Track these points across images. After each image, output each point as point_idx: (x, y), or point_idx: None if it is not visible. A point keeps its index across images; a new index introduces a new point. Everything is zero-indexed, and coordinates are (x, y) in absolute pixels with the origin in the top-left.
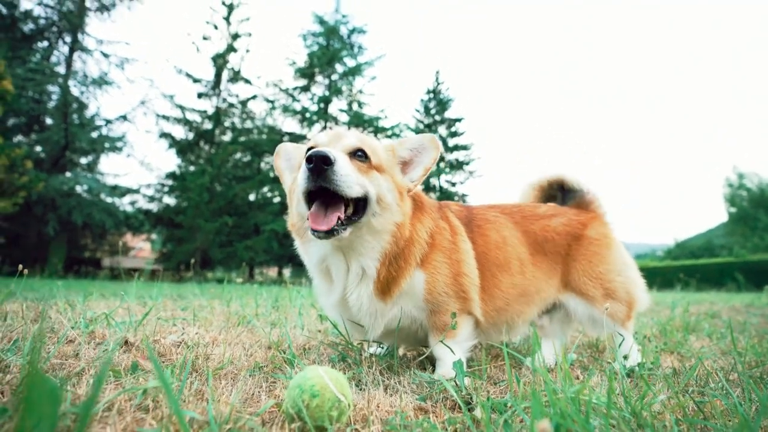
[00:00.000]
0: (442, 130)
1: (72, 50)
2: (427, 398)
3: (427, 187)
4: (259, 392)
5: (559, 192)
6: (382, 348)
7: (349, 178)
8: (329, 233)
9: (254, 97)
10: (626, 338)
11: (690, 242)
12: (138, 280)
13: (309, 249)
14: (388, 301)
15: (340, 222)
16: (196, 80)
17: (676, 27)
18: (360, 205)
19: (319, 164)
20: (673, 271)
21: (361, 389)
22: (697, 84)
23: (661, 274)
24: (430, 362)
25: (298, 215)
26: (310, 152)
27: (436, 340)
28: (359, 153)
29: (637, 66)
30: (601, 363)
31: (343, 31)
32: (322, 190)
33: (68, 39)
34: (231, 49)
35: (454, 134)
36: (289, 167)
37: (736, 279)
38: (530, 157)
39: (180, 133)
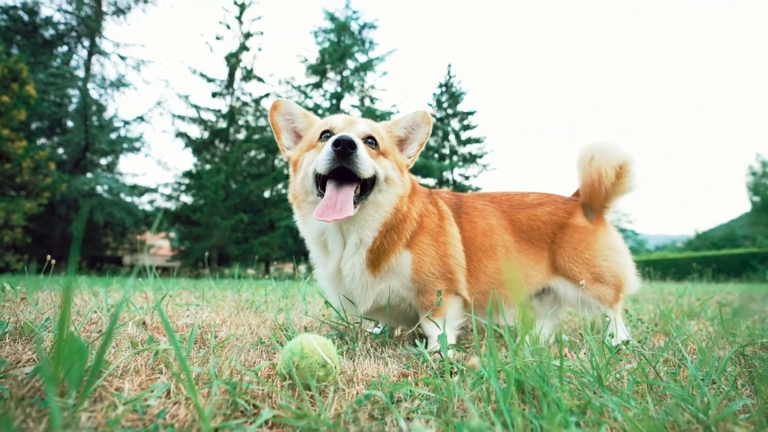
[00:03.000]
0: (455, 123)
1: (90, 54)
2: (411, 366)
3: (441, 181)
4: (259, 360)
5: None
6: (379, 327)
7: (366, 162)
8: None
9: (267, 95)
10: (614, 319)
11: (711, 233)
12: (155, 275)
13: (308, 222)
14: (377, 275)
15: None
16: (210, 80)
17: (699, 14)
18: (368, 184)
19: (346, 148)
20: (691, 262)
21: (352, 359)
22: (718, 71)
23: (678, 265)
24: (422, 340)
25: (302, 189)
26: (337, 137)
27: (425, 318)
28: (370, 140)
29: (654, 55)
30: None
31: (354, 27)
32: (335, 172)
33: (86, 43)
34: (243, 48)
35: (466, 127)
36: (289, 128)
37: (756, 269)
38: (546, 149)
39: (195, 132)
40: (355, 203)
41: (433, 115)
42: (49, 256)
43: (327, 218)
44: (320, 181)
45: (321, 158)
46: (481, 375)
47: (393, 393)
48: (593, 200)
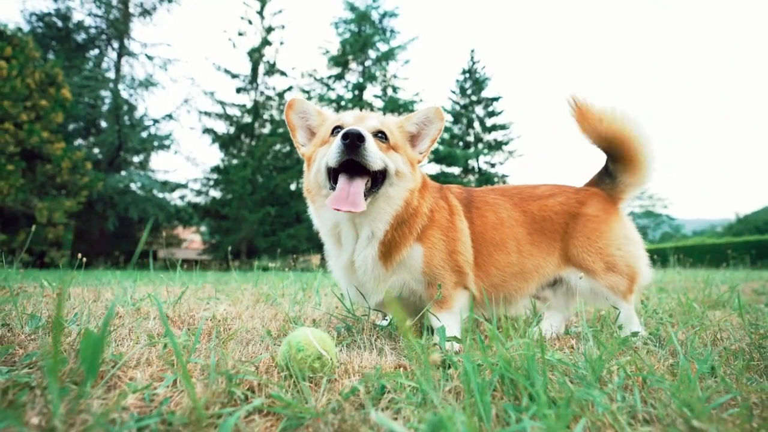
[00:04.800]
0: (479, 110)
1: (120, 55)
2: (409, 358)
3: (466, 169)
4: (264, 352)
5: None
6: (386, 320)
7: (375, 155)
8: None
9: (290, 88)
10: (627, 311)
11: (754, 217)
12: (181, 269)
13: (322, 215)
14: (389, 267)
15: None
16: (234, 76)
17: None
18: (378, 178)
19: (355, 141)
20: (731, 247)
21: (353, 351)
22: (757, 46)
23: (715, 252)
24: (430, 332)
25: (316, 183)
26: (346, 130)
27: (435, 310)
28: (380, 134)
29: (690, 35)
30: (599, 334)
31: (375, 16)
32: (347, 164)
33: (116, 45)
34: (266, 42)
35: (491, 114)
36: (303, 126)
37: None
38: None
39: (222, 128)
40: (366, 196)
41: (457, 102)
42: (80, 254)
43: (341, 207)
44: (332, 175)
45: (331, 151)
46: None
47: (384, 384)
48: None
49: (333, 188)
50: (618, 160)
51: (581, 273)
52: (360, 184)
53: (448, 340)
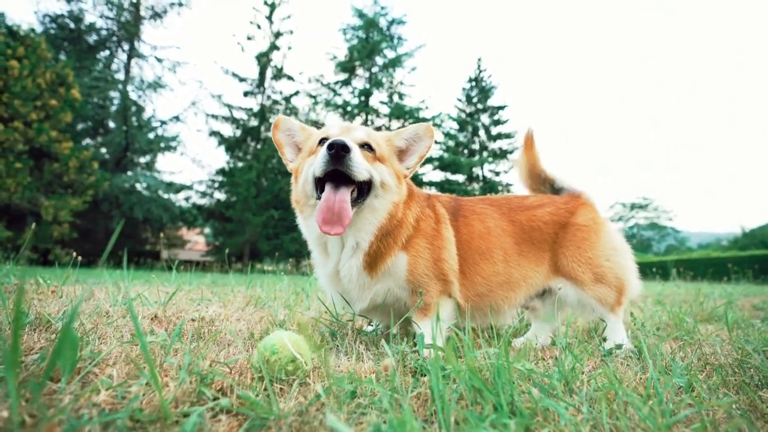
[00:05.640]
0: (485, 118)
1: (130, 57)
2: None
3: (470, 177)
4: (243, 354)
5: (549, 191)
6: (372, 326)
7: (361, 165)
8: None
9: (297, 93)
10: (615, 323)
11: (761, 231)
12: (180, 270)
13: (310, 224)
14: (374, 276)
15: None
16: (242, 79)
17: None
18: (364, 189)
19: (339, 151)
20: (734, 261)
21: (336, 356)
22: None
23: (717, 265)
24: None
25: (303, 194)
26: (331, 141)
27: (418, 317)
28: (366, 146)
29: (696, 46)
30: (586, 345)
31: (383, 22)
32: (332, 175)
33: (126, 47)
34: (274, 47)
35: (497, 122)
36: (290, 143)
37: None
38: (581, 143)
39: (228, 131)
40: (351, 206)
41: (463, 110)
42: (84, 253)
43: (331, 231)
44: (319, 184)
45: (317, 161)
46: (446, 374)
47: (354, 389)
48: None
49: (319, 198)
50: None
51: (568, 283)
52: (345, 194)
53: (427, 348)
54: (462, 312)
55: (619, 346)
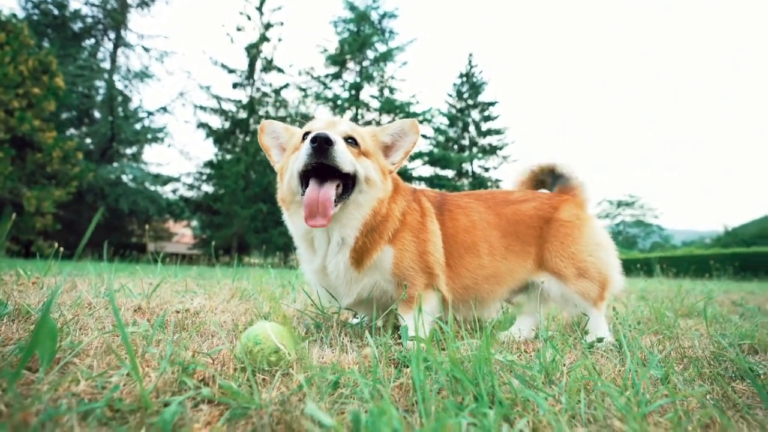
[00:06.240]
0: (475, 114)
1: (116, 46)
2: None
3: (460, 173)
4: (225, 345)
5: (549, 177)
6: (357, 318)
7: (345, 157)
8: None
9: (287, 85)
10: (597, 317)
11: (742, 229)
12: (166, 263)
13: (296, 220)
14: (361, 271)
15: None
16: (231, 71)
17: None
18: (349, 184)
19: (322, 144)
20: (716, 259)
21: (320, 348)
22: (747, 58)
23: (698, 262)
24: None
25: (289, 190)
26: (314, 134)
27: (403, 310)
28: (350, 140)
29: (682, 44)
30: (568, 339)
31: (374, 16)
32: (316, 169)
33: (112, 35)
34: (264, 38)
35: (487, 118)
36: (276, 145)
37: None
38: (571, 141)
39: (216, 122)
40: (336, 202)
41: (453, 106)
42: (66, 245)
43: (316, 222)
44: (303, 179)
45: (301, 155)
46: (428, 365)
47: (337, 379)
48: None
49: (304, 193)
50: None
51: (552, 278)
52: (330, 188)
53: (410, 340)
54: (446, 305)
55: (600, 339)
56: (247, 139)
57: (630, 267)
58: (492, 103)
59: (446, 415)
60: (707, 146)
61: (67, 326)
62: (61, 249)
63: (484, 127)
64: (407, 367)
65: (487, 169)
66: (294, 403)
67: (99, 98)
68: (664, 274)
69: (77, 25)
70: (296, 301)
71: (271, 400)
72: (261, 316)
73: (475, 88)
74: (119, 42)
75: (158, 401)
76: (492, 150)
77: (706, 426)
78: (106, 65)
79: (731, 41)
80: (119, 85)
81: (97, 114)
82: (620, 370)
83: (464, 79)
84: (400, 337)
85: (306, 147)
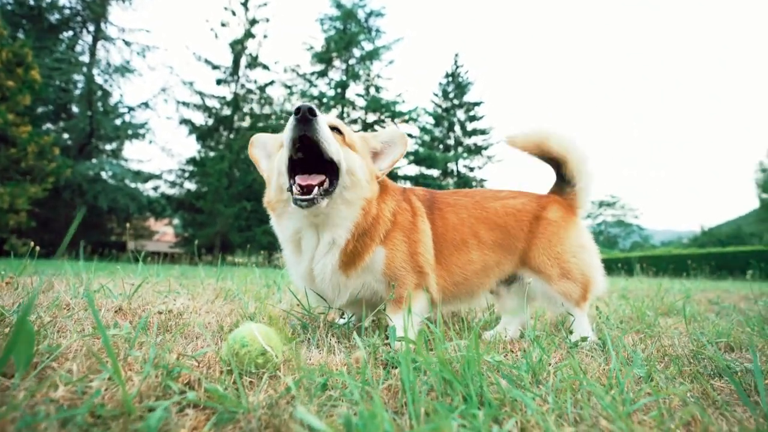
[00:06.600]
0: (461, 114)
1: (96, 39)
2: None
3: (445, 172)
4: (210, 347)
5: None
6: (344, 318)
7: (329, 135)
8: (311, 201)
9: (272, 82)
10: (580, 317)
11: (718, 230)
12: (147, 262)
13: (283, 223)
14: (351, 274)
15: (319, 191)
16: (215, 67)
17: (702, 10)
18: (333, 176)
19: (306, 114)
20: (693, 258)
21: (307, 349)
22: (727, 63)
23: (676, 262)
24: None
25: (277, 188)
26: (298, 105)
27: (392, 310)
28: (334, 129)
29: (663, 48)
30: (553, 338)
31: (361, 14)
32: (303, 162)
33: (92, 28)
34: (249, 35)
35: (473, 118)
36: (265, 155)
37: (757, 268)
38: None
39: (200, 119)
40: (323, 196)
41: (439, 105)
42: (42, 244)
43: (305, 197)
44: (290, 168)
45: (286, 133)
46: (417, 366)
47: (325, 381)
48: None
49: (292, 186)
50: (565, 167)
51: (536, 277)
52: (316, 178)
53: (398, 341)
54: (434, 305)
55: (584, 339)
56: (231, 136)
57: (611, 266)
58: (477, 103)
59: (437, 417)
60: (692, 146)
61: (44, 329)
62: (37, 248)
63: (470, 126)
64: (395, 368)
65: (472, 169)
66: (282, 406)
67: (77, 92)
68: (644, 273)
69: (54, 17)
70: (282, 302)
71: (259, 403)
72: (247, 317)
73: (461, 88)
74: (99, 35)
75: (142, 406)
76: (477, 150)
77: (687, 423)
78: (85, 59)
79: (718, 40)
80: (99, 80)
81: (75, 108)
82: (605, 369)
83: (450, 78)
84: (387, 338)
85: (290, 122)
